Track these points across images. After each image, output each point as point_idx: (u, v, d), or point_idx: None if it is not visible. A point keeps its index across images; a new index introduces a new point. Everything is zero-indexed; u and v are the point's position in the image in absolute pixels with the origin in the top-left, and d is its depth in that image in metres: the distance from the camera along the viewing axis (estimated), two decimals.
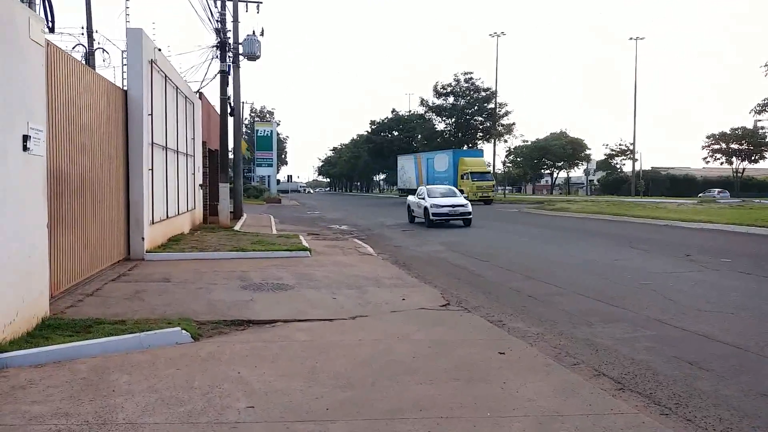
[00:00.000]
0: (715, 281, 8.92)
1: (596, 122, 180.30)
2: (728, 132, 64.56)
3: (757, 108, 20.26)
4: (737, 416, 3.85)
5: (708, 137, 67.55)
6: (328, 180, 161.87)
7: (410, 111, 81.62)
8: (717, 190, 60.92)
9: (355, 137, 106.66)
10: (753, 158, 64.65)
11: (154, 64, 11.03)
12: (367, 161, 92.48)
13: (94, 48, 22.18)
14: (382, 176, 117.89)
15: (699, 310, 6.95)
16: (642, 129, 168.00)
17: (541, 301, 7.63)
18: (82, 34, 22.12)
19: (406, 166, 55.61)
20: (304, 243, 12.88)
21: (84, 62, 17.55)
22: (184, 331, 5.36)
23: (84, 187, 7.94)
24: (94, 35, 22.16)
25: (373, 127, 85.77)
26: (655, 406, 4.04)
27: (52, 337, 5.10)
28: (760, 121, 59.14)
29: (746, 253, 12.48)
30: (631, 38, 74.67)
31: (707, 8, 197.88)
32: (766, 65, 20.32)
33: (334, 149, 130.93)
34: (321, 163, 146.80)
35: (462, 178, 43.24)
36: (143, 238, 10.31)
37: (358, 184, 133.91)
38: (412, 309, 6.86)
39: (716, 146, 66.68)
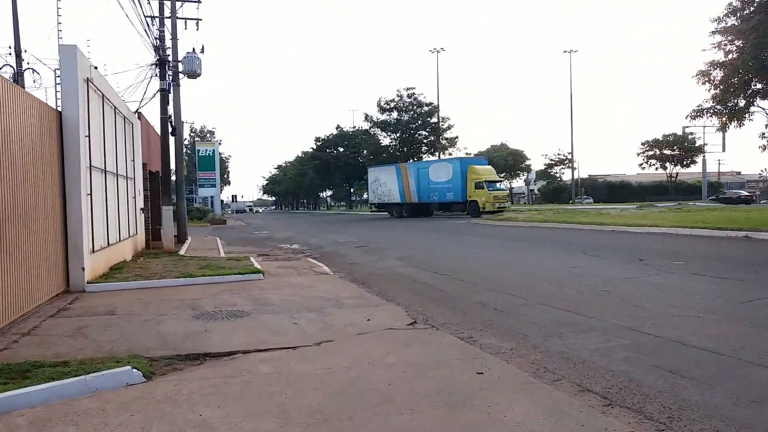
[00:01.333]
0: (674, 284, 9.02)
1: (535, 133, 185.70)
2: (660, 138, 67.65)
3: (692, 114, 21.12)
4: (733, 427, 3.72)
5: (642, 144, 70.47)
6: (273, 198, 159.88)
7: (355, 127, 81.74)
8: (585, 196, 67.85)
9: (300, 154, 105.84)
10: (684, 163, 67.90)
11: (90, 83, 10.38)
12: (313, 178, 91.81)
13: (23, 68, 20.97)
14: (328, 193, 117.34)
15: (666, 315, 6.94)
16: (579, 138, 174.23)
17: (508, 313, 7.46)
18: (10, 54, 20.89)
19: (383, 177, 48.89)
20: (256, 265, 12.36)
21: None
22: (135, 370, 4.86)
23: (13, 216, 7.25)
24: (23, 54, 20.96)
25: (318, 143, 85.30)
26: (648, 421, 3.87)
27: None
28: (688, 127, 62.30)
29: (696, 254, 12.82)
30: (565, 51, 77.49)
31: (638, 19, 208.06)
32: (697, 74, 21.11)
33: (279, 167, 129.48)
34: (266, 182, 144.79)
35: (476, 188, 39.32)
36: (83, 268, 9.58)
37: (305, 201, 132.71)
38: (379, 330, 6.54)
39: (650, 152, 69.61)
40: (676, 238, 16.72)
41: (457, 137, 63.56)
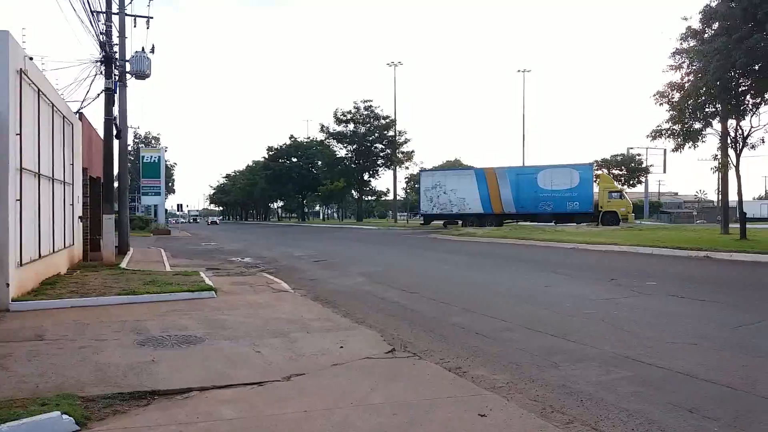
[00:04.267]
0: (657, 307, 8.64)
1: (488, 149, 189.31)
2: (609, 158, 69.52)
3: (652, 134, 21.38)
4: None
5: (591, 163, 72.24)
6: (221, 208, 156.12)
7: (309, 137, 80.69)
8: None
9: (251, 163, 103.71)
10: (630, 183, 69.94)
11: (24, 76, 9.25)
12: (265, 188, 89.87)
13: None
14: (280, 204, 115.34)
15: (661, 341, 6.48)
16: (531, 155, 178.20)
17: (492, 338, 6.85)
18: None
19: (450, 183, 41.29)
20: (208, 281, 11.36)
21: None
22: (65, 416, 3.95)
23: None
24: None
25: (270, 153, 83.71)
26: None
27: None
28: (632, 148, 64.36)
29: (665, 274, 12.63)
30: (519, 70, 78.97)
31: (588, 42, 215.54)
32: (656, 94, 21.43)
33: (228, 176, 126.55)
34: (213, 191, 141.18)
35: (610, 198, 36.99)
36: (8, 284, 8.40)
37: (254, 212, 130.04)
38: (356, 359, 5.79)
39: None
40: (639, 257, 16.65)
41: (413, 151, 63.52)
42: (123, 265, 15.01)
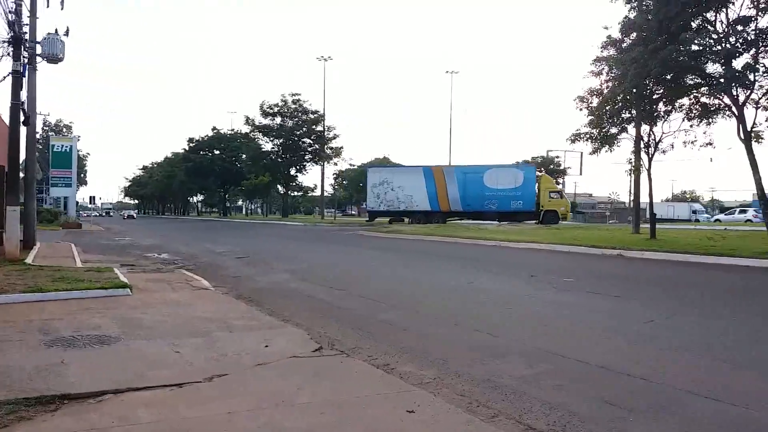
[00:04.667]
0: (575, 303, 9.01)
1: (416, 148, 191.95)
2: (530, 160, 72.22)
3: (572, 138, 22.43)
4: None
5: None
6: (137, 202, 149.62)
7: (233, 130, 78.58)
8: None
9: (170, 155, 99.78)
10: None
11: None
12: (184, 181, 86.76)
13: None
14: (200, 198, 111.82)
15: (580, 336, 6.75)
16: (458, 155, 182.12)
17: (420, 335, 6.89)
18: None
19: (398, 180, 41.38)
20: (122, 278, 10.78)
21: None
22: None
23: None
24: None
25: (191, 145, 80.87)
26: None
27: None
28: (551, 151, 67.29)
29: (583, 271, 13.22)
30: (447, 71, 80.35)
31: (520, 45, 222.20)
32: (576, 99, 22.43)
33: (145, 168, 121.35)
34: (129, 183, 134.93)
35: (551, 198, 38.35)
36: None
37: (172, 206, 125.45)
38: (282, 359, 5.64)
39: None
40: (557, 255, 17.36)
41: (342, 147, 63.38)
42: (29, 260, 14.00)
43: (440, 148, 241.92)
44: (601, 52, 21.31)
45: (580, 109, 21.77)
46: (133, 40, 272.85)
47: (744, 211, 51.46)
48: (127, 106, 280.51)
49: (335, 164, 64.36)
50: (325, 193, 69.82)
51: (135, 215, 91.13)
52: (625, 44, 19.82)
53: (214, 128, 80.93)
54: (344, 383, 4.92)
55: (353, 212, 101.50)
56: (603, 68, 20.99)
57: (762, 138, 20.65)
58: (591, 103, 21.52)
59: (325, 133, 60.96)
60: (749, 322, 7.85)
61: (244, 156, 71.02)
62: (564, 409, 4.42)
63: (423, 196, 40.20)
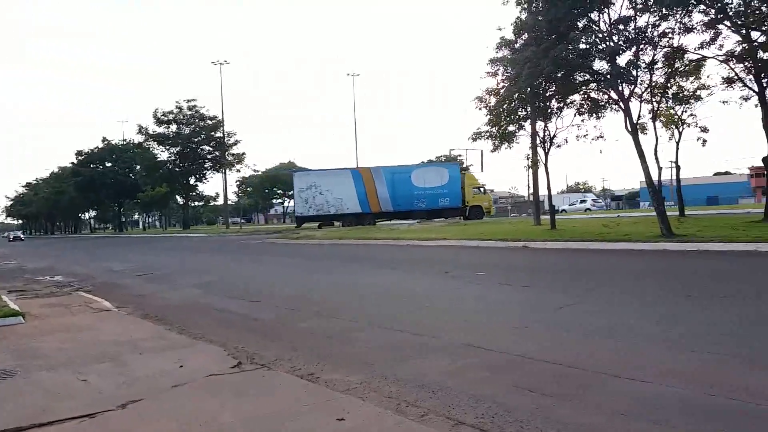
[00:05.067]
0: (490, 296, 9.28)
1: (322, 152, 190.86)
2: (434, 159, 74.11)
3: (473, 136, 23.27)
4: None
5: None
6: (20, 222, 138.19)
7: (126, 140, 74.43)
8: None
9: (56, 170, 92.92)
10: None
11: None
12: (74, 197, 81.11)
13: None
14: (92, 213, 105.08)
15: (498, 328, 6.94)
16: (364, 158, 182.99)
17: (342, 340, 6.80)
18: None
19: (326, 184, 40.17)
20: (12, 305, 9.84)
21: None
22: None
23: None
24: None
25: (80, 158, 75.73)
26: None
27: None
28: (453, 149, 69.39)
29: (493, 265, 13.66)
30: (348, 74, 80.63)
31: (421, 47, 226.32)
32: (475, 99, 23.26)
33: (29, 185, 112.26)
34: (10, 202, 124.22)
35: (475, 194, 39.78)
36: None
37: (62, 224, 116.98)
38: (200, 378, 5.34)
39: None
40: (467, 250, 17.85)
41: (244, 153, 61.70)
42: None
43: (346, 151, 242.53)
44: (496, 53, 22.30)
45: (480, 109, 22.67)
46: (10, 44, 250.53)
47: (584, 201, 61.65)
48: (4, 120, 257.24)
49: (238, 171, 62.72)
50: (229, 202, 67.75)
51: (22, 236, 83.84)
52: (518, 45, 20.79)
53: (104, 139, 76.49)
54: (269, 398, 4.73)
55: (261, 221, 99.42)
56: (499, 69, 21.97)
57: (647, 129, 22.44)
58: (489, 102, 22.45)
59: (225, 139, 59.21)
60: (652, 303, 8.37)
61: (138, 167, 67.45)
62: (491, 400, 4.49)
63: (353, 199, 39.94)
